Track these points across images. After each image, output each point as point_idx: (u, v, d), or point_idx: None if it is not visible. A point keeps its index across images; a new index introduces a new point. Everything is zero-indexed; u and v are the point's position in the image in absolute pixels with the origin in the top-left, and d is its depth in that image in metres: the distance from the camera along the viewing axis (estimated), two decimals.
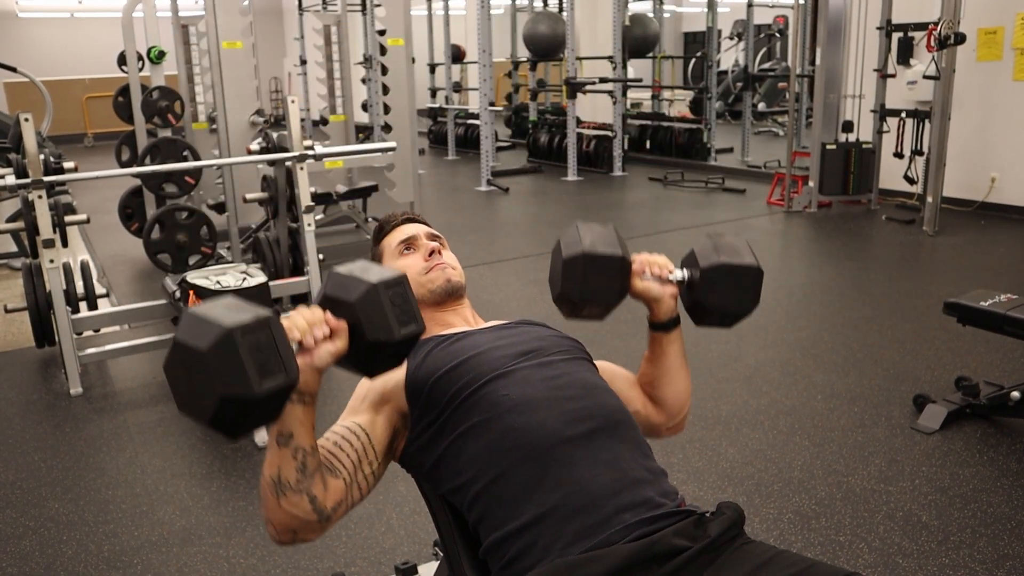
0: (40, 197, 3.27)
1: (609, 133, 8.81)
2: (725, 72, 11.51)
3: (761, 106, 11.50)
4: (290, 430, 1.07)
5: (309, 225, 3.75)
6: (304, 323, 1.06)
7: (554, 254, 1.34)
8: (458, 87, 11.85)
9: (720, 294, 1.33)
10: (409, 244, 1.45)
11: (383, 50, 5.81)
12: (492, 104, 9.08)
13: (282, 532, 1.11)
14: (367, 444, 1.22)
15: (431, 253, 1.43)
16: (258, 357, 0.94)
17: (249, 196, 4.21)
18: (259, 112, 5.44)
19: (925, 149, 6.01)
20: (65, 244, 3.94)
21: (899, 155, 6.27)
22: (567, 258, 1.29)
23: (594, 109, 9.83)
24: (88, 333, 3.91)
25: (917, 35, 6.11)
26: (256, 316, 0.96)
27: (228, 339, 0.93)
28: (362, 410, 1.27)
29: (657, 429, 1.46)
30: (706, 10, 9.25)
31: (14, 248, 5.32)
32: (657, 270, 1.36)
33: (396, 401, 1.27)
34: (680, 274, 1.37)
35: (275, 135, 4.03)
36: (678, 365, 1.43)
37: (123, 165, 5.55)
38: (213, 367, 0.92)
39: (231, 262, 4.39)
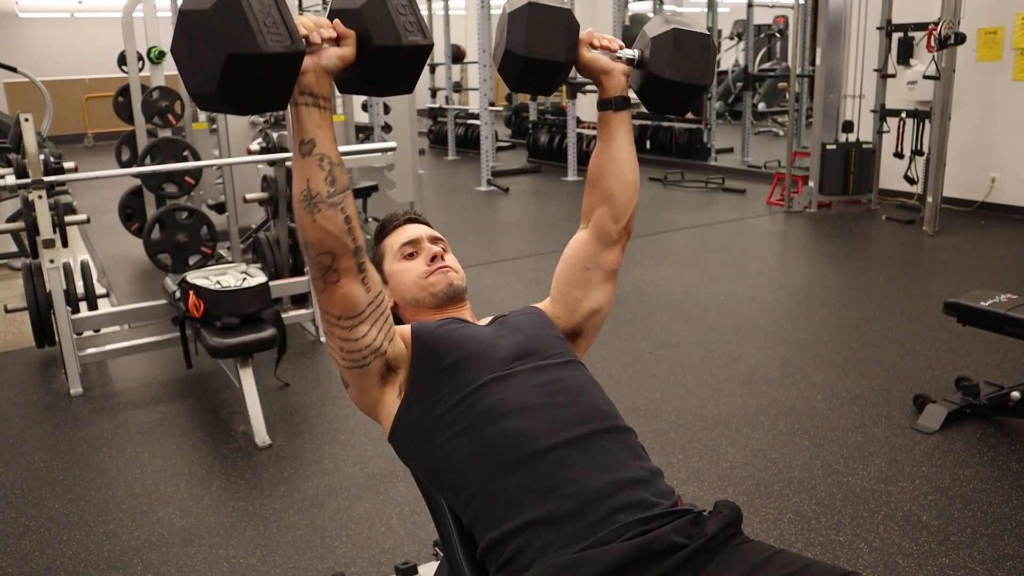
0: (40, 197, 3.27)
1: None
2: (725, 72, 11.51)
3: (761, 106, 11.50)
4: (311, 136, 1.08)
5: None
6: (310, 21, 1.07)
7: (499, 25, 1.30)
8: (458, 87, 11.85)
9: (671, 63, 1.30)
10: (412, 246, 1.45)
11: None
12: (492, 104, 9.08)
13: (321, 253, 1.11)
14: (390, 316, 1.23)
15: (433, 257, 1.43)
16: (263, 18, 0.94)
17: (249, 196, 4.21)
18: None
19: (925, 149, 6.01)
20: (65, 244, 3.95)
21: (899, 155, 6.27)
22: (512, 11, 1.26)
23: (594, 110, 9.81)
24: (88, 333, 3.91)
25: (917, 35, 6.11)
26: None
27: None
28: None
29: (608, 232, 1.42)
30: (706, 10, 9.25)
31: (14, 248, 5.32)
32: (607, 42, 1.35)
33: (404, 338, 1.28)
34: (630, 52, 1.35)
35: (275, 135, 4.04)
36: (627, 151, 1.41)
37: (123, 165, 5.55)
38: (218, 25, 0.91)
39: (231, 262, 4.38)
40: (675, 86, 1.32)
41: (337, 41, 1.08)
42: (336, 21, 1.09)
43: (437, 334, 1.30)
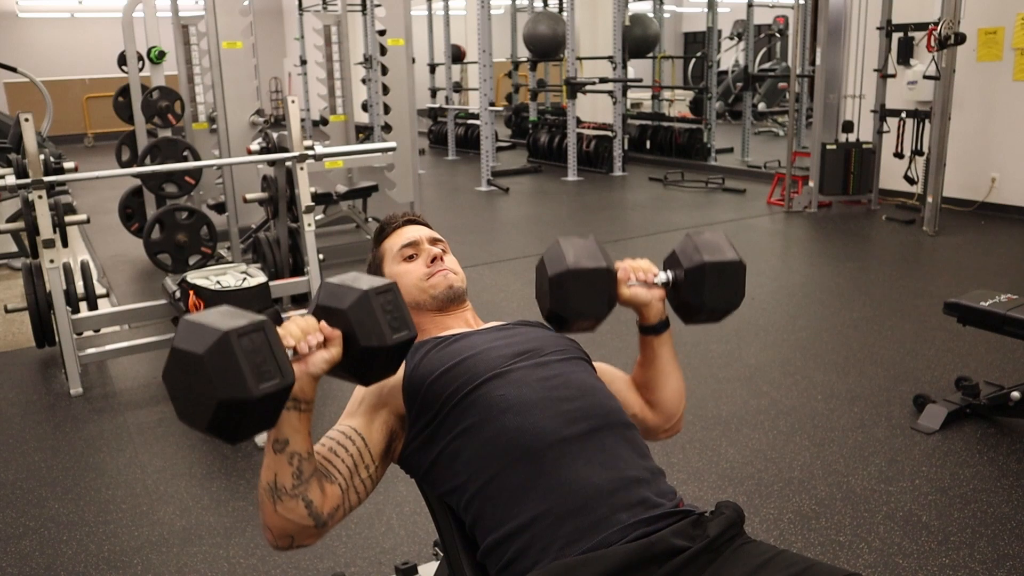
0: (40, 197, 3.27)
1: (609, 133, 8.81)
2: (725, 72, 11.51)
3: (761, 106, 11.50)
4: (286, 436, 1.08)
5: (309, 225, 3.75)
6: (298, 330, 1.07)
7: (538, 272, 1.35)
8: (458, 87, 11.85)
9: (705, 292, 1.34)
10: (412, 249, 1.45)
11: (383, 50, 5.81)
12: (492, 104, 9.08)
13: (280, 538, 1.12)
14: (363, 448, 1.22)
15: (433, 259, 1.43)
16: (254, 359, 0.96)
17: (249, 196, 4.21)
18: (259, 112, 5.44)
19: (925, 149, 6.01)
20: (65, 244, 3.95)
21: (899, 155, 6.27)
22: (552, 276, 1.30)
23: (594, 109, 9.83)
24: (88, 333, 3.91)
25: (917, 35, 6.11)
26: (251, 320, 0.98)
27: (225, 342, 0.94)
28: (358, 414, 1.27)
29: (654, 432, 1.47)
30: (706, 10, 9.25)
31: (14, 248, 5.32)
32: (642, 275, 1.37)
33: (393, 403, 1.27)
34: (664, 276, 1.38)
35: (275, 135, 4.03)
36: (671, 367, 1.44)
37: (123, 165, 5.54)
38: (210, 371, 0.93)
39: (231, 262, 4.39)
40: (711, 310, 1.37)
41: (324, 342, 1.09)
42: (322, 323, 1.09)
43: (424, 363, 1.28)
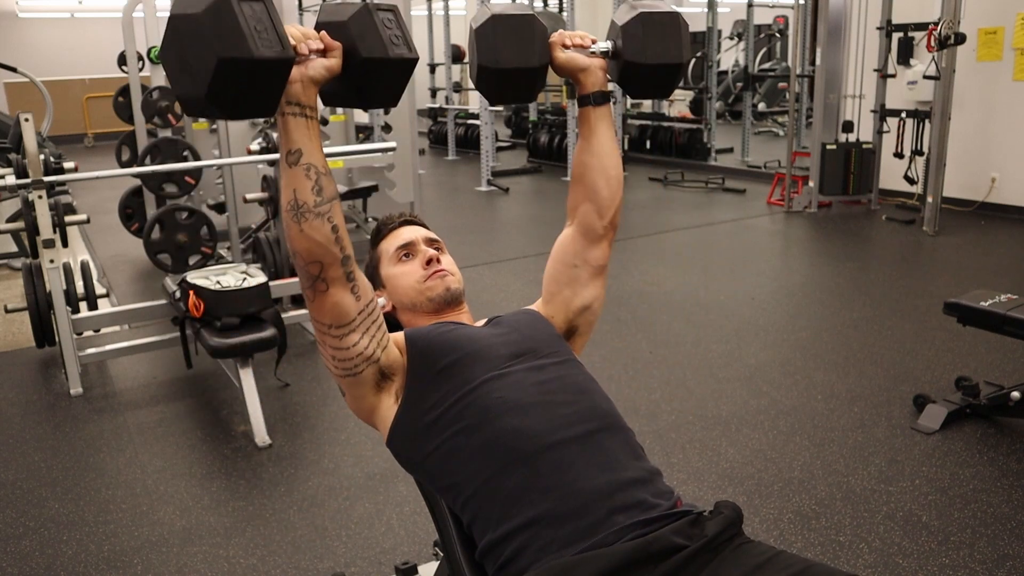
0: (40, 197, 3.27)
1: None
2: (725, 72, 11.50)
3: (761, 106, 11.50)
4: (298, 146, 1.08)
5: None
6: (298, 32, 1.07)
7: (468, 40, 1.32)
8: (458, 87, 11.84)
9: (646, 47, 1.31)
10: (408, 250, 1.44)
11: None
12: (492, 104, 9.06)
13: (309, 263, 1.12)
14: (379, 313, 1.23)
15: (429, 260, 1.42)
16: (255, 24, 0.94)
17: (249, 196, 4.21)
18: None
19: (925, 149, 6.01)
20: (65, 244, 3.95)
21: (899, 155, 6.27)
22: (477, 27, 1.27)
23: None
24: (88, 333, 3.91)
25: (917, 35, 6.11)
26: None
27: (225, 2, 0.92)
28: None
29: (594, 229, 1.43)
30: (706, 10, 9.24)
31: (14, 248, 5.32)
32: (579, 40, 1.36)
33: (398, 344, 1.28)
34: (604, 45, 1.36)
35: (275, 135, 4.03)
36: (609, 146, 1.41)
37: (123, 165, 5.55)
38: (210, 29, 0.91)
39: (231, 262, 4.39)
40: (652, 69, 1.33)
41: (324, 52, 1.09)
42: (323, 33, 1.09)
43: (431, 337, 1.29)
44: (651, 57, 1.31)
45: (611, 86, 1.40)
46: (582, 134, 1.41)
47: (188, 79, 0.94)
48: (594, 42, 1.36)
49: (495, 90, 1.30)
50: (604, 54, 1.36)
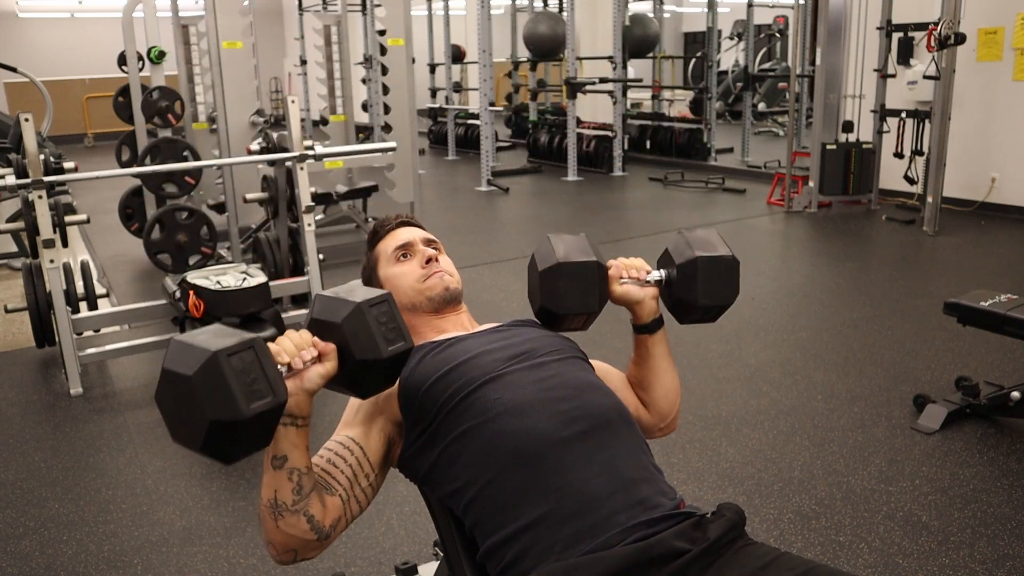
0: (40, 197, 3.27)
1: (609, 133, 8.81)
2: (725, 72, 11.51)
3: (761, 106, 11.50)
4: (284, 453, 1.08)
5: (309, 225, 3.75)
6: (292, 346, 1.07)
7: (530, 269, 1.35)
8: (458, 87, 11.85)
9: (698, 288, 1.34)
10: (405, 250, 1.43)
11: (383, 50, 5.81)
12: (492, 104, 9.07)
13: (283, 553, 1.12)
14: (362, 458, 1.22)
15: (428, 260, 1.41)
16: (244, 379, 0.96)
17: (249, 196, 4.21)
18: (259, 112, 5.44)
19: (925, 149, 6.01)
20: (65, 244, 3.95)
21: (899, 155, 6.27)
22: (543, 271, 1.30)
23: (594, 109, 9.83)
24: (88, 333, 3.91)
25: (917, 35, 6.11)
26: (241, 339, 0.98)
27: (213, 362, 0.94)
28: (356, 423, 1.27)
29: (650, 431, 1.46)
30: (706, 10, 9.25)
31: (14, 248, 5.32)
32: (635, 272, 1.38)
33: (390, 411, 1.27)
34: (657, 275, 1.38)
35: (275, 135, 4.03)
36: (665, 366, 1.44)
37: (123, 165, 5.54)
38: (200, 392, 0.93)
39: (231, 262, 4.39)
40: (705, 307, 1.37)
41: (318, 358, 1.09)
42: (315, 339, 1.09)
43: (419, 369, 1.27)
44: (703, 299, 1.35)
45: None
46: (636, 356, 1.45)
47: (183, 430, 0.97)
48: (648, 272, 1.39)
49: (555, 324, 1.37)
50: (658, 283, 1.39)
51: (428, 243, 1.46)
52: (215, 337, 0.98)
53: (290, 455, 1.08)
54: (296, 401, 1.07)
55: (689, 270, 1.34)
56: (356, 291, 1.13)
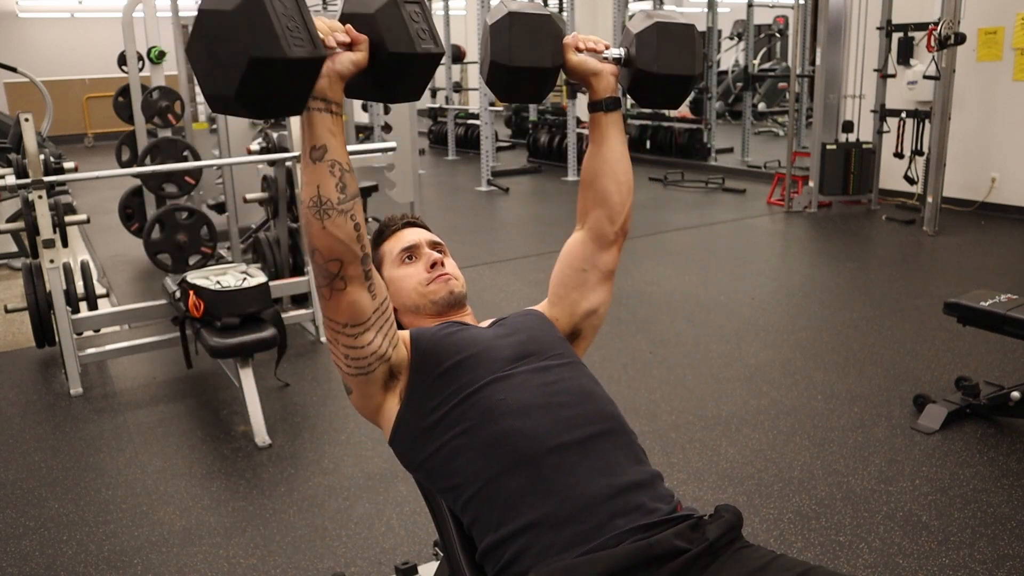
0: (40, 197, 3.27)
1: None
2: (725, 72, 11.51)
3: (761, 106, 11.50)
4: (323, 142, 1.07)
5: None
6: (325, 26, 1.06)
7: (482, 40, 1.31)
8: (458, 87, 11.85)
9: (656, 57, 1.30)
10: (411, 252, 1.44)
11: None
12: (492, 104, 9.08)
13: (328, 260, 1.11)
14: (393, 318, 1.23)
15: (433, 264, 1.42)
16: (287, 23, 0.93)
17: (249, 196, 4.21)
18: None
19: (925, 149, 6.01)
20: (65, 244, 3.95)
21: (899, 155, 6.27)
22: (493, 23, 1.26)
23: None
24: (88, 333, 3.91)
25: (917, 35, 6.11)
26: None
27: (257, 0, 0.91)
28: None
29: (604, 235, 1.42)
30: (706, 10, 9.25)
31: (14, 248, 5.32)
32: (592, 44, 1.35)
33: (404, 343, 1.27)
34: (616, 52, 1.36)
35: (275, 135, 4.03)
36: (619, 151, 1.40)
37: (123, 165, 5.54)
38: (242, 27, 0.90)
39: (231, 262, 4.39)
40: (664, 79, 1.33)
41: (350, 46, 1.07)
42: (348, 26, 1.08)
43: (436, 338, 1.29)
44: (663, 67, 1.31)
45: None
46: (593, 139, 1.40)
47: (217, 76, 0.93)
48: (607, 47, 1.35)
49: (506, 88, 1.30)
50: (616, 60, 1.35)
51: (434, 246, 1.46)
52: None
53: (329, 144, 1.07)
54: (328, 83, 1.05)
55: (646, 38, 1.31)
56: None
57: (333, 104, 1.07)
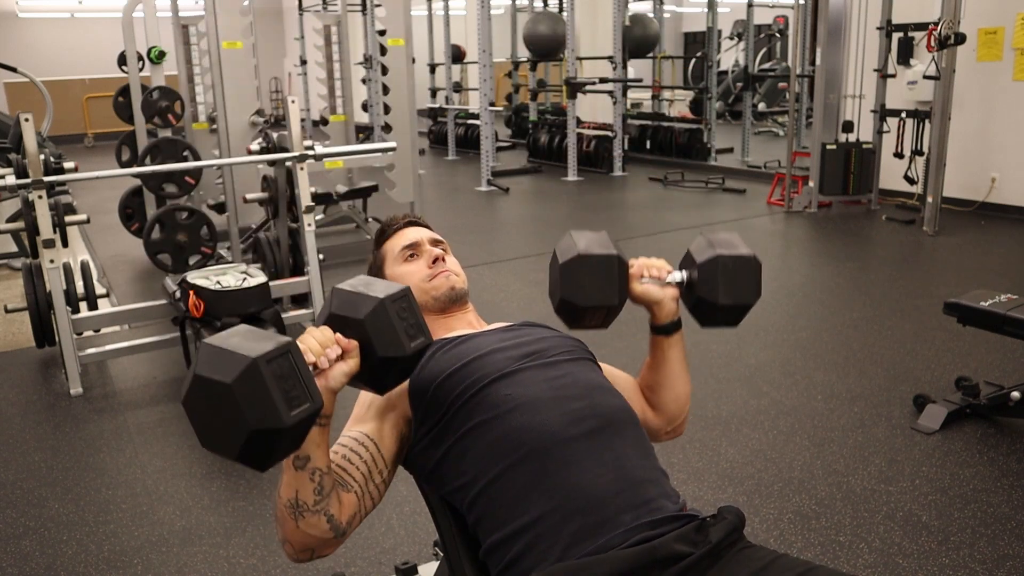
0: (40, 197, 3.27)
1: (609, 133, 8.81)
2: (725, 72, 11.51)
3: (761, 106, 11.50)
4: (307, 453, 1.07)
5: (309, 225, 3.75)
6: (317, 345, 1.06)
7: (551, 265, 1.35)
8: (458, 87, 11.85)
9: (720, 288, 1.33)
10: (412, 250, 1.44)
11: (383, 50, 5.81)
12: (492, 104, 9.08)
13: (300, 552, 1.12)
14: (376, 454, 1.22)
15: (435, 260, 1.42)
16: (284, 386, 0.92)
17: (249, 196, 4.21)
18: (259, 112, 5.44)
19: (925, 149, 6.01)
20: (65, 244, 3.94)
21: (899, 155, 6.27)
22: (564, 263, 1.29)
23: (594, 109, 9.83)
24: (88, 333, 3.91)
25: (917, 35, 6.11)
26: (278, 344, 0.94)
27: (254, 370, 0.90)
28: (368, 418, 1.26)
29: (656, 434, 1.47)
30: (706, 10, 9.25)
31: (14, 248, 5.32)
32: (655, 272, 1.37)
33: (401, 407, 1.27)
34: (679, 275, 1.38)
35: (275, 135, 4.03)
36: (679, 370, 1.44)
37: (123, 165, 5.54)
38: (240, 400, 0.89)
39: (231, 262, 4.39)
40: (726, 308, 1.36)
41: (341, 355, 1.07)
42: (338, 336, 1.07)
43: (428, 366, 1.27)
44: (725, 299, 1.34)
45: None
46: (652, 358, 1.44)
47: (217, 438, 0.93)
48: (669, 272, 1.38)
49: (574, 318, 1.33)
50: (679, 284, 1.38)
51: (435, 243, 1.47)
52: (249, 341, 0.94)
53: (313, 455, 1.07)
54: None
55: (710, 268, 1.33)
56: (374, 285, 1.10)
57: (323, 418, 1.07)
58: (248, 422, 0.90)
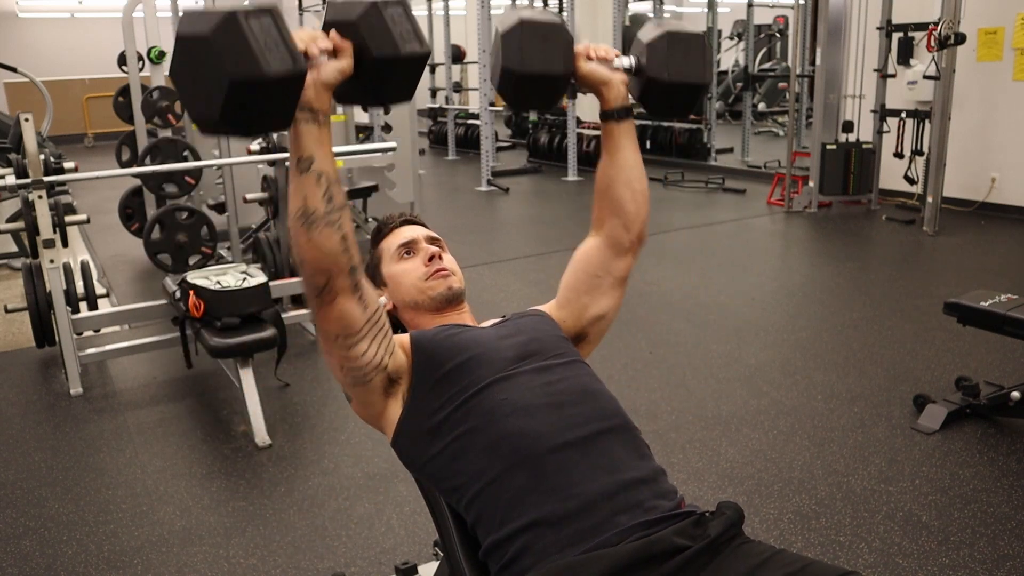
0: (40, 197, 3.27)
1: None
2: (725, 72, 11.51)
3: (761, 106, 11.50)
4: (309, 152, 1.07)
5: None
6: (305, 35, 1.06)
7: (493, 47, 1.32)
8: (458, 87, 11.85)
9: (667, 65, 1.31)
10: (409, 248, 1.44)
11: None
12: (492, 104, 9.08)
13: (316, 273, 1.10)
14: (387, 321, 1.21)
15: (431, 258, 1.42)
16: (264, 40, 0.93)
17: (249, 196, 4.21)
18: None
19: (925, 149, 6.01)
20: (65, 244, 3.95)
21: (899, 155, 6.27)
22: (504, 31, 1.26)
23: (594, 109, 9.74)
24: (88, 333, 3.91)
25: (917, 35, 6.11)
26: (258, 4, 0.95)
27: (232, 21, 0.91)
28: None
29: (620, 244, 1.42)
30: (706, 10, 9.25)
31: (14, 248, 5.32)
32: (603, 53, 1.35)
33: (403, 347, 1.27)
34: (627, 60, 1.35)
35: (275, 135, 4.03)
36: (633, 160, 1.40)
37: (123, 165, 5.55)
38: (219, 50, 0.90)
39: (231, 262, 4.39)
40: (675, 88, 1.33)
41: (334, 53, 1.07)
42: (332, 33, 1.08)
43: (436, 340, 1.29)
44: (674, 75, 1.31)
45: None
46: (605, 149, 1.40)
47: (201, 100, 0.93)
48: (618, 56, 1.35)
49: (517, 94, 1.29)
50: (627, 70, 1.35)
51: (432, 241, 1.47)
52: (230, 3, 0.95)
53: (315, 155, 1.07)
54: (314, 93, 1.05)
55: (657, 47, 1.31)
56: None
57: (320, 114, 1.07)
58: (227, 70, 0.90)
